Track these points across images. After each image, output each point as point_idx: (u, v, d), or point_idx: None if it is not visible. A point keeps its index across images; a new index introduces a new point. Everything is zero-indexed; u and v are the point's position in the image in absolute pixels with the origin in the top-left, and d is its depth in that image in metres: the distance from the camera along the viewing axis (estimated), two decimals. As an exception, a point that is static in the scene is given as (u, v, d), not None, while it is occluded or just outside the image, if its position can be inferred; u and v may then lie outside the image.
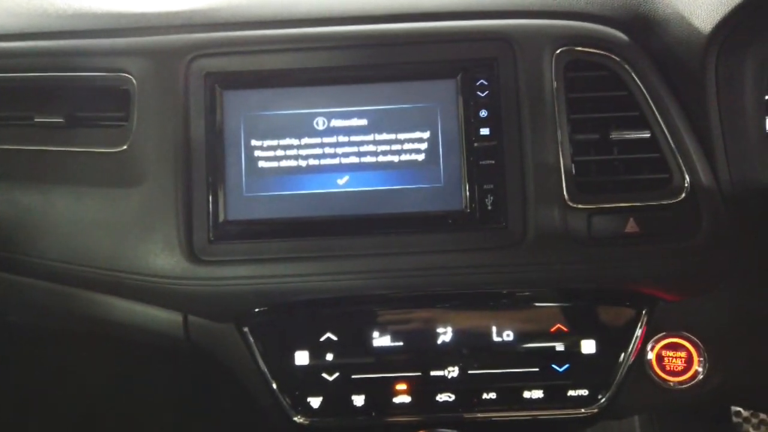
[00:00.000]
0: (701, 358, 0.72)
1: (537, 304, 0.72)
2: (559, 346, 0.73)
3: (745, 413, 1.32)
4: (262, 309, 0.73)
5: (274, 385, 0.74)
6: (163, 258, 0.69)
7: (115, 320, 0.77)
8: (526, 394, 0.74)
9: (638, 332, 0.72)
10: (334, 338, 0.73)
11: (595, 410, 0.73)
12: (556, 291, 0.71)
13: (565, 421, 0.74)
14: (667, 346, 0.73)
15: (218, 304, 0.71)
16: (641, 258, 0.67)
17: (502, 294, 0.71)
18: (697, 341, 0.73)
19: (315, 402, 0.75)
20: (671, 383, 0.73)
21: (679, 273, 0.68)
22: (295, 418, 0.75)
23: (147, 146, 0.70)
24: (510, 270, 0.68)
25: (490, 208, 0.69)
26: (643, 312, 0.72)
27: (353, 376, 0.74)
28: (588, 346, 0.73)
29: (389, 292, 0.70)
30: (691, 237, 0.67)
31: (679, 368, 0.73)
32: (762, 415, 1.34)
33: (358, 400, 0.74)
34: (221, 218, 0.69)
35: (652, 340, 0.73)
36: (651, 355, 0.73)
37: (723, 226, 0.67)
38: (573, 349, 0.73)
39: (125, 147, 0.72)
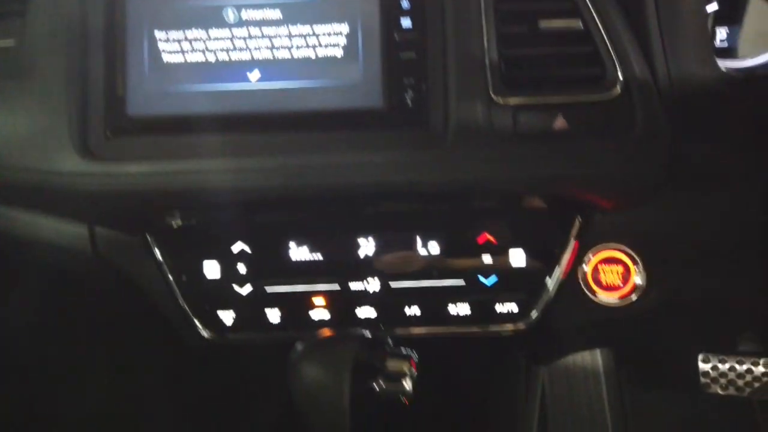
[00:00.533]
0: (639, 273, 0.67)
1: (461, 211, 0.67)
2: (486, 258, 0.68)
3: (713, 373, 1.28)
4: (169, 217, 0.68)
5: (182, 300, 0.69)
6: (57, 155, 0.64)
7: (19, 236, 0.72)
8: (452, 310, 0.69)
9: (572, 243, 0.68)
10: (246, 248, 0.68)
11: (522, 327, 0.68)
12: (482, 193, 0.66)
13: (494, 338, 0.69)
14: (604, 260, 0.69)
15: (119, 208, 0.66)
16: (569, 156, 0.63)
17: (423, 196, 0.66)
18: (635, 255, 0.68)
19: (227, 317, 0.70)
20: (606, 299, 0.68)
21: (611, 174, 0.63)
22: (205, 334, 0.70)
23: (41, 37, 0.65)
24: (431, 169, 0.63)
25: (410, 104, 0.64)
26: (577, 221, 0.68)
27: (267, 290, 0.69)
28: (517, 258, 0.68)
29: (302, 192, 0.65)
30: (624, 134, 0.63)
31: (615, 284, 0.68)
32: (731, 375, 1.30)
33: (273, 316, 0.70)
34: (119, 113, 0.64)
35: (588, 252, 0.68)
36: (586, 269, 0.68)
37: (659, 124, 0.63)
38: (501, 260, 0.68)
39: (19, 39, 0.67)
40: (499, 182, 0.64)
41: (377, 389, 0.58)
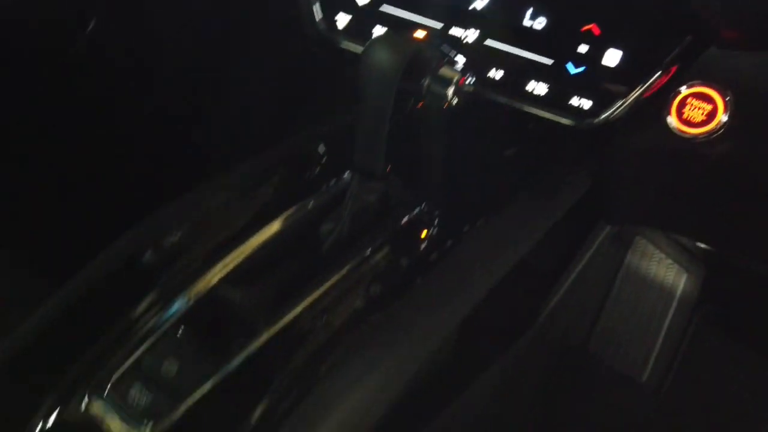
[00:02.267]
0: (727, 112, 0.65)
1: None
2: (582, 47, 0.69)
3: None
4: None
5: None
6: None
7: None
8: (530, 86, 0.72)
9: (670, 65, 0.66)
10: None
11: (590, 123, 0.69)
12: None
13: (552, 127, 0.71)
14: (694, 95, 0.66)
15: None
16: None
17: None
18: (726, 97, 0.65)
19: (342, 20, 0.79)
20: (683, 129, 0.66)
21: None
22: (322, 26, 0.79)
23: None
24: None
25: None
26: (686, 44, 0.66)
27: (382, 9, 0.77)
28: (612, 57, 0.69)
29: None
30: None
31: (697, 120, 0.66)
32: None
33: (378, 33, 0.77)
34: None
35: (684, 83, 0.67)
36: (674, 96, 0.67)
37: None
38: (596, 53, 0.69)
39: None
40: None
41: (423, 86, 0.64)
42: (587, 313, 1.19)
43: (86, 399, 0.53)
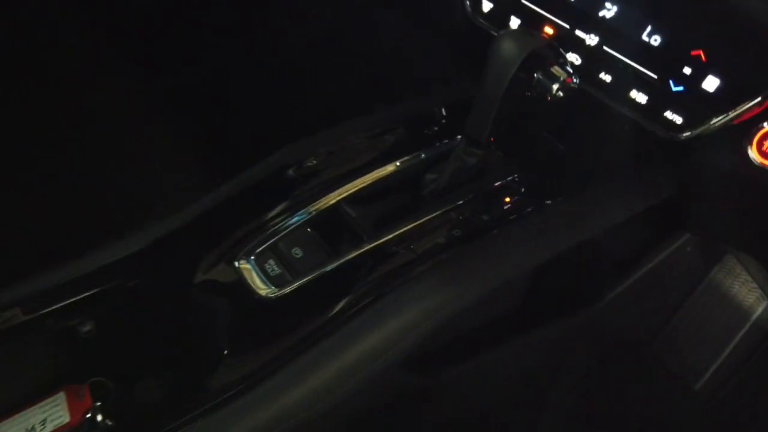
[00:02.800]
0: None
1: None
2: (687, 69, 0.78)
3: None
4: None
5: None
6: None
7: None
8: (633, 94, 0.82)
9: (762, 102, 0.74)
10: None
11: (669, 137, 0.78)
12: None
13: (643, 132, 0.81)
14: (779, 131, 0.74)
15: None
16: None
17: None
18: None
19: (487, 5, 0.92)
20: (763, 165, 0.74)
21: None
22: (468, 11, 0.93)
23: None
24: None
25: None
26: None
27: (522, 1, 0.89)
28: (711, 83, 0.77)
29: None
30: None
31: (774, 154, 0.74)
32: None
33: (514, 23, 0.90)
34: None
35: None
36: (757, 130, 0.74)
37: None
38: (697, 76, 0.77)
39: None
40: None
41: (535, 78, 0.76)
42: (659, 313, 1.26)
43: (237, 260, 0.74)
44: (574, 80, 0.76)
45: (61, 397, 0.70)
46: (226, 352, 0.67)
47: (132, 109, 1.24)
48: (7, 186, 1.08)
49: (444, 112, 0.91)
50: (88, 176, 1.14)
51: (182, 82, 1.28)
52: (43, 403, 0.70)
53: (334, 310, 0.70)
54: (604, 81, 0.84)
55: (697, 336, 1.25)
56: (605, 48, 0.84)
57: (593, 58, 0.84)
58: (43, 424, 0.68)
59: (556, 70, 0.75)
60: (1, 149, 1.11)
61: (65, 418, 0.69)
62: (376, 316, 0.68)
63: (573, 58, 0.86)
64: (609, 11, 0.83)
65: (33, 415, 0.69)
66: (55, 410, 0.69)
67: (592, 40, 0.85)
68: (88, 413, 0.69)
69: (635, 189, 0.86)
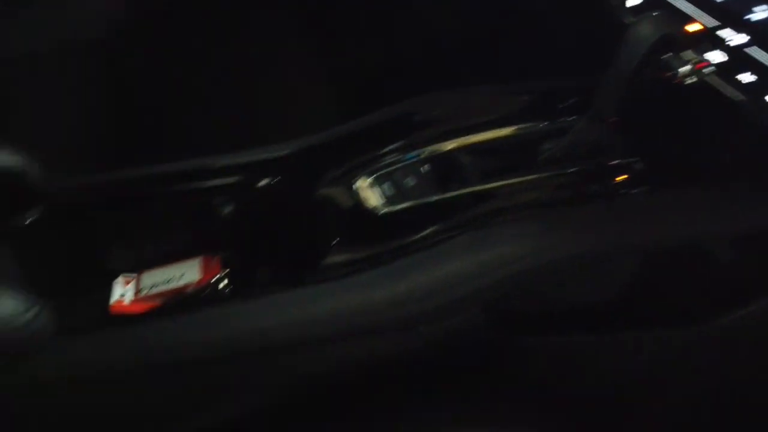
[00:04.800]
0: None
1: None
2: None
3: None
4: None
5: None
6: None
7: None
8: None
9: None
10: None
11: None
12: None
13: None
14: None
15: None
16: None
17: None
18: None
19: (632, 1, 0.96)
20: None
21: None
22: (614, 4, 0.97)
23: None
24: None
25: None
26: None
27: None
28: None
29: None
30: None
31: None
32: None
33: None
34: None
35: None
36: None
37: None
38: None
39: None
40: None
41: (663, 60, 0.79)
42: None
43: (359, 177, 0.85)
44: (708, 68, 0.78)
45: (198, 260, 0.85)
46: (335, 242, 0.78)
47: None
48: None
49: (575, 88, 0.96)
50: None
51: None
52: (183, 263, 0.85)
53: (433, 232, 0.78)
54: (741, 82, 0.84)
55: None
56: (749, 50, 0.84)
57: (735, 57, 0.85)
58: (180, 278, 0.83)
59: (687, 53, 0.78)
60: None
61: (197, 277, 0.83)
62: (470, 242, 0.75)
63: (713, 55, 0.88)
64: (763, 14, 0.84)
65: (175, 270, 0.84)
66: (191, 270, 0.84)
67: (737, 39, 0.86)
68: (215, 278, 0.83)
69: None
